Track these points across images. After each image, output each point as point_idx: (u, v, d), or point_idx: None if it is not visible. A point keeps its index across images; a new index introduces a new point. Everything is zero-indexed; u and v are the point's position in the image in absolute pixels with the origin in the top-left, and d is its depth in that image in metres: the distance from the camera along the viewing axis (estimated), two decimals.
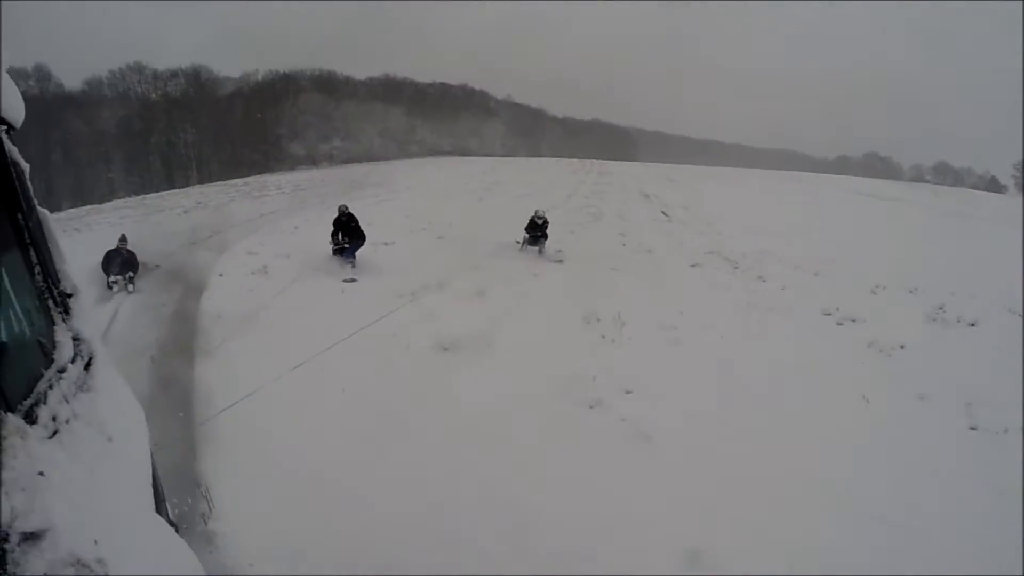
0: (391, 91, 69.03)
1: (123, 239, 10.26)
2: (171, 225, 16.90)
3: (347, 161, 52.46)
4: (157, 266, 10.73)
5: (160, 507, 2.27)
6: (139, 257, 10.13)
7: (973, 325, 8.76)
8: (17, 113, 1.76)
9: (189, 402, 5.70)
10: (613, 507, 4.16)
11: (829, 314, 9.03)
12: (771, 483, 4.54)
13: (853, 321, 8.76)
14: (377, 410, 5.42)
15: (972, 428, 5.72)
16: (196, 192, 28.61)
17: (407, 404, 5.56)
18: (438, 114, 68.68)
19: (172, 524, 2.48)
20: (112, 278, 9.38)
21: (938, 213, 20.34)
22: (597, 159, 48.00)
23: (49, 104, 48.49)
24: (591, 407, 5.73)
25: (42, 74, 51.79)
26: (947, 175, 77.08)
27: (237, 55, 71.85)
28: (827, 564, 3.65)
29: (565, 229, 14.64)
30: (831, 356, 7.41)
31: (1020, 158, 57.74)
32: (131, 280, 9.56)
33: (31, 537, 1.06)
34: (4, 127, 1.68)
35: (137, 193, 34.39)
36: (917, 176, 74.85)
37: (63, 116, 49.83)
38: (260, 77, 62.56)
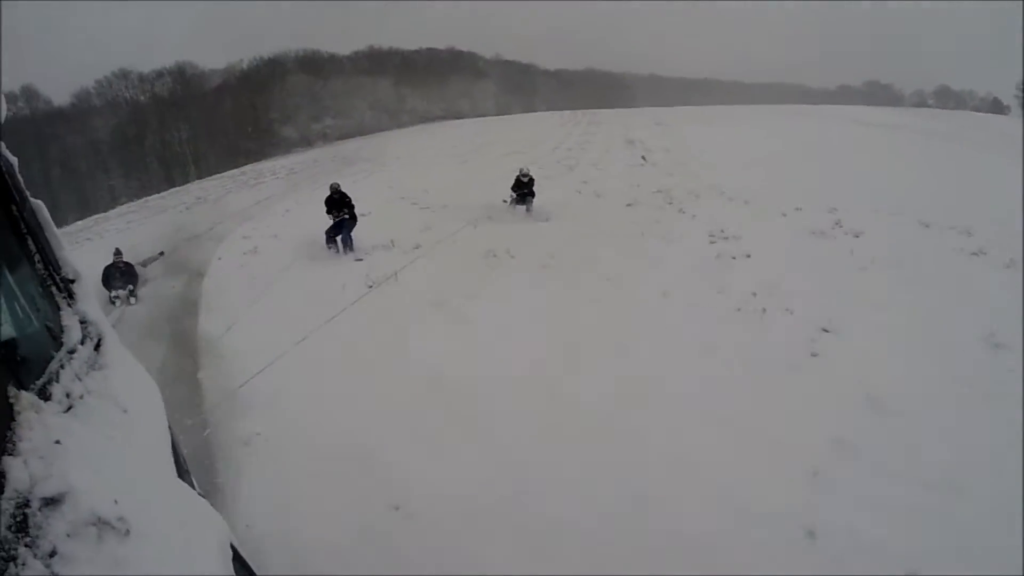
0: (377, 63, 67.92)
1: (118, 252, 10.27)
2: (174, 222, 17.28)
3: (341, 138, 52.13)
4: (161, 253, 11.23)
5: (183, 476, 2.30)
6: (145, 247, 10.59)
7: (857, 236, 8.90)
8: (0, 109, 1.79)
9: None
10: None
11: (713, 236, 9.43)
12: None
13: (726, 239, 9.22)
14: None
15: (738, 310, 6.52)
16: (196, 188, 28.78)
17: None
18: (427, 80, 67.68)
19: (192, 486, 2.51)
20: (113, 293, 9.49)
21: (928, 137, 19.49)
22: (592, 109, 47.06)
23: (40, 123, 48.62)
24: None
25: (30, 94, 51.59)
26: (949, 99, 74.64)
27: (220, 47, 70.45)
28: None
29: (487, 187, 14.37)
30: (679, 269, 8.03)
31: (1021, 78, 55.11)
32: (132, 293, 9.68)
33: (52, 502, 1.08)
34: None
35: (139, 197, 34.59)
36: (919, 102, 72.48)
37: (57, 132, 49.96)
38: (245, 66, 61.99)
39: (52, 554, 1.02)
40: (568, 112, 45.56)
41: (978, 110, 56.85)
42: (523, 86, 78.12)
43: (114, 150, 52.88)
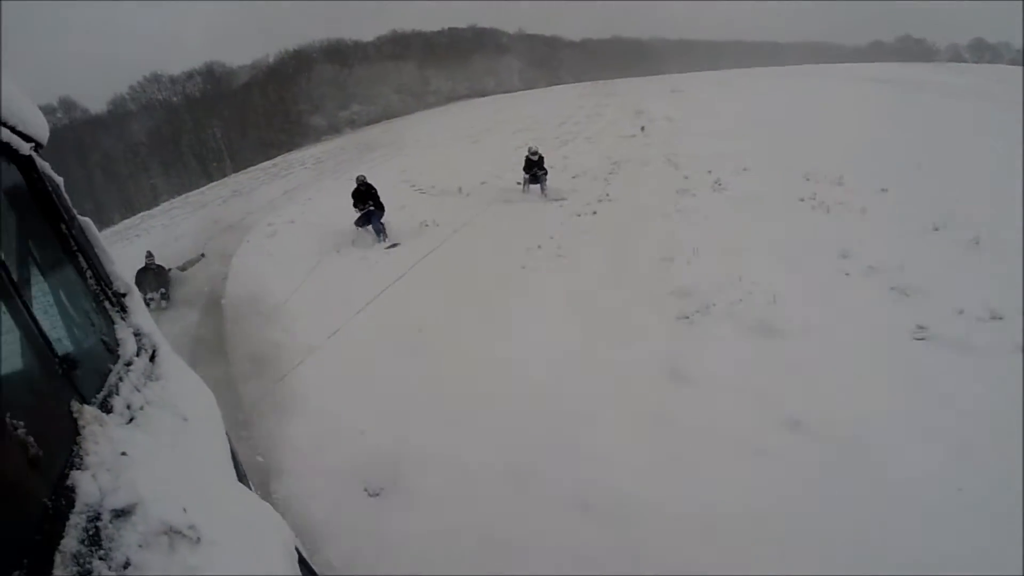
0: (401, 47, 68.43)
1: (149, 255, 10.20)
2: (212, 216, 18.16)
3: (369, 123, 52.53)
4: (202, 255, 11.55)
5: (242, 479, 2.31)
6: (188, 241, 11.05)
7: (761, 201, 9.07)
8: (42, 131, 1.80)
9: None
10: None
11: (599, 198, 10.25)
12: None
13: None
14: None
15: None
16: (232, 181, 29.52)
17: None
18: (450, 61, 67.62)
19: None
20: (148, 295, 9.34)
21: (945, 95, 18.16)
22: (615, 79, 46.11)
23: (80, 131, 50.81)
24: None
25: (68, 105, 54.01)
26: (984, 52, 70.74)
27: (246, 44, 72.02)
28: None
29: (498, 165, 14.57)
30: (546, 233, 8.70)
31: None
32: (165, 296, 9.64)
33: (122, 513, 1.08)
34: (32, 144, 1.70)
35: (179, 193, 35.65)
36: (953, 56, 68.20)
37: (96, 139, 52.20)
38: (271, 60, 63.13)
39: (126, 565, 1.01)
40: (588, 84, 44.75)
41: (1015, 63, 53.46)
42: (548, 59, 77.24)
43: (153, 151, 55.10)
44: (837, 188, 8.86)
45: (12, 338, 1.21)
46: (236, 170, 41.21)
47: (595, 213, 9.49)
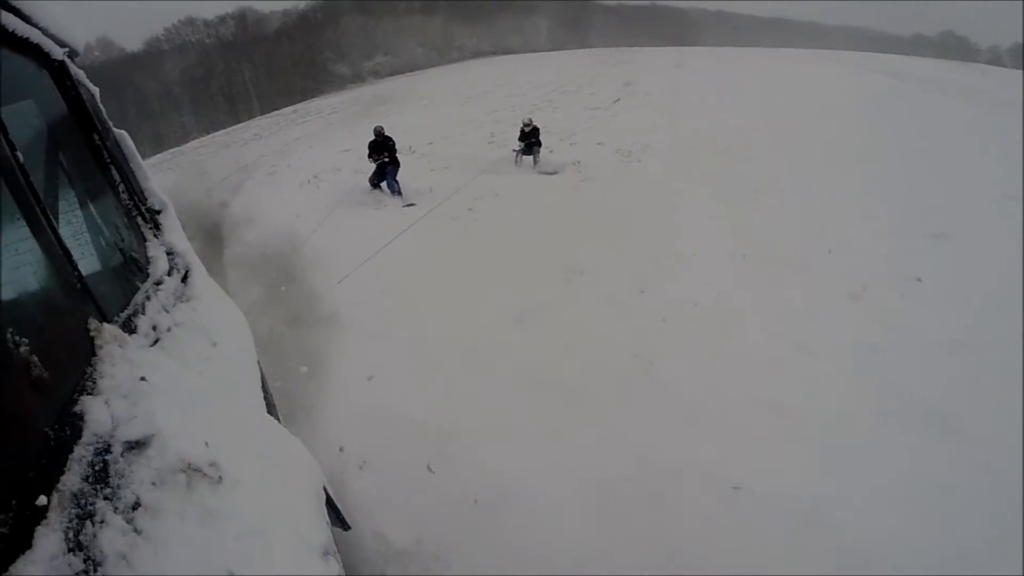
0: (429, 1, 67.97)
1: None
2: (233, 156, 19.55)
3: (391, 75, 53.20)
4: None
5: (270, 408, 2.27)
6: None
7: (640, 161, 10.59)
8: (78, 38, 1.73)
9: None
10: None
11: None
12: None
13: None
14: None
15: None
16: (255, 125, 30.66)
17: None
18: (477, 16, 67.14)
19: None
20: None
21: (955, 96, 17.24)
22: (637, 47, 45.74)
23: (117, 69, 52.79)
24: None
25: (105, 44, 56.41)
26: None
27: None
28: None
29: (484, 131, 15.28)
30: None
31: None
32: None
33: (136, 445, 0.99)
34: (65, 50, 1.63)
35: (208, 132, 37.13)
36: (993, 58, 64.96)
37: (131, 77, 54.17)
38: (302, 7, 63.83)
39: (135, 506, 0.92)
40: (604, 50, 44.39)
41: None
42: (579, 21, 76.03)
43: (184, 90, 57.28)
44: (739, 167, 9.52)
45: (26, 248, 1.09)
46: (263, 112, 42.63)
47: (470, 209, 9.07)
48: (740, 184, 8.82)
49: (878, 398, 3.94)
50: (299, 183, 12.04)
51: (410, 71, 51.68)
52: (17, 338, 0.85)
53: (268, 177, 13.60)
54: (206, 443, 1.09)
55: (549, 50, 58.61)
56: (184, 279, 1.96)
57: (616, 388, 4.30)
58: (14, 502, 0.74)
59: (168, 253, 1.97)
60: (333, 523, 1.93)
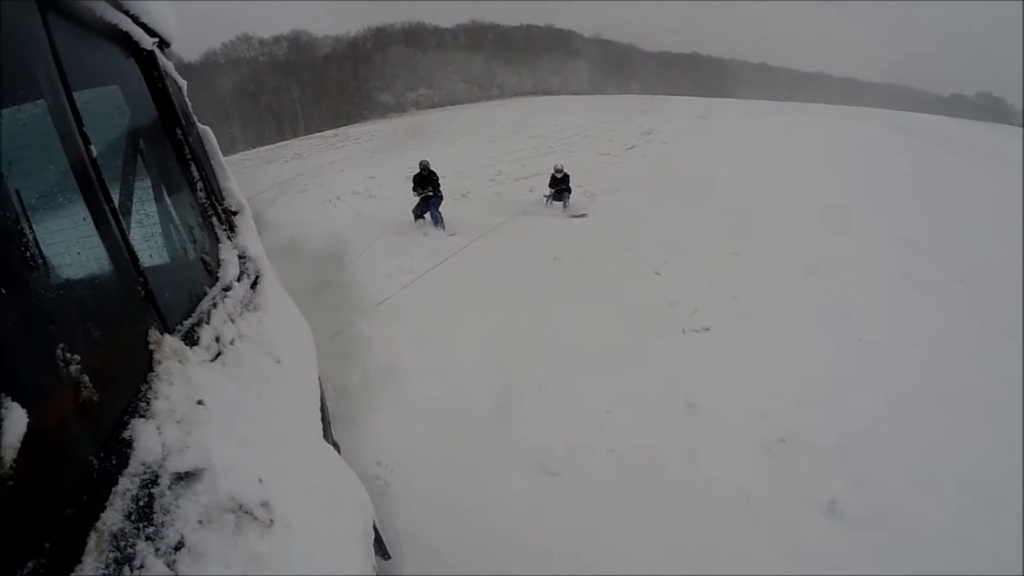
0: (475, 37, 70.97)
1: None
2: (274, 172, 20.76)
3: (432, 107, 55.14)
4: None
5: (326, 431, 2.18)
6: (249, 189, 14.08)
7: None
8: (169, 27, 1.70)
9: None
10: None
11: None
12: None
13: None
14: None
15: None
16: (296, 144, 31.99)
17: None
18: (519, 58, 69.45)
19: (335, 446, 2.45)
20: None
21: (972, 157, 17.18)
22: (673, 95, 46.63)
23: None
24: None
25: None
26: None
27: (334, 14, 75.83)
28: None
29: (493, 168, 15.89)
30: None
31: None
32: None
33: (185, 477, 0.90)
34: (155, 40, 1.60)
35: (253, 146, 39.05)
36: None
37: (188, 85, 57.17)
38: (353, 35, 67.10)
39: (178, 547, 0.82)
40: (636, 96, 45.12)
41: None
42: (621, 66, 77.79)
43: (235, 104, 60.28)
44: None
45: (88, 249, 1.00)
46: (307, 132, 44.63)
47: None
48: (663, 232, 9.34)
49: None
50: (321, 201, 13.32)
51: (451, 104, 53.67)
52: (68, 355, 0.77)
53: (300, 194, 14.82)
54: (260, 479, 1.03)
55: (588, 93, 60.04)
56: (253, 285, 1.88)
57: None
58: (47, 544, 0.65)
59: (240, 257, 1.91)
60: (375, 553, 1.88)
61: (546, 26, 76.44)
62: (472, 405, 4.62)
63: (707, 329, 6.00)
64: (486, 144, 22.03)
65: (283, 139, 41.17)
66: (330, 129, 40.03)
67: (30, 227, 0.79)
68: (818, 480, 3.73)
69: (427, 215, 10.43)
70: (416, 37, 67.97)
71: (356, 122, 46.42)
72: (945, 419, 4.32)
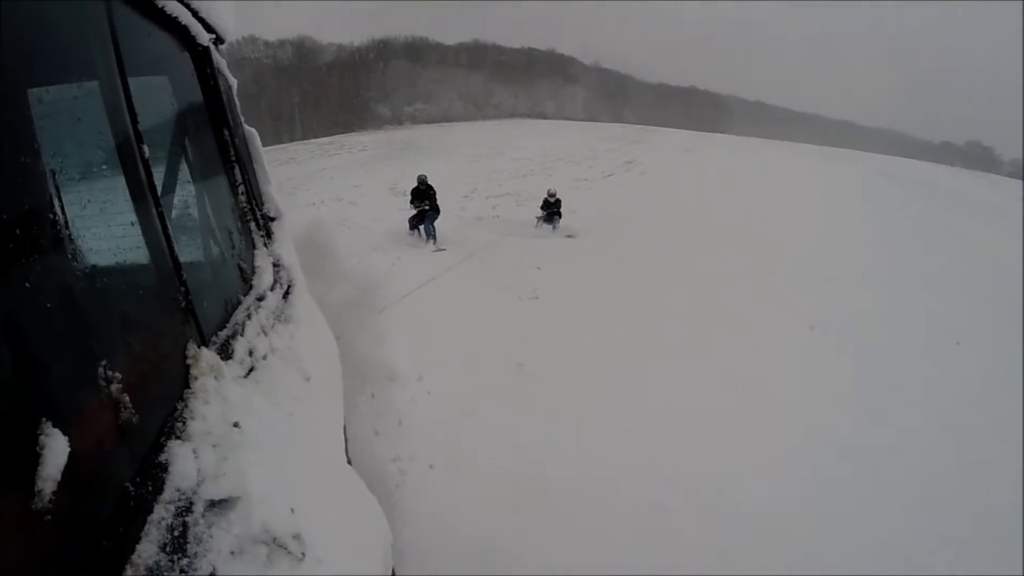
0: (476, 57, 72.39)
1: None
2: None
3: (427, 122, 56.09)
4: None
5: (346, 450, 2.15)
6: None
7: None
8: (227, 24, 1.68)
9: None
10: None
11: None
12: None
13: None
14: None
15: None
16: (292, 148, 32.51)
17: None
18: (517, 79, 70.72)
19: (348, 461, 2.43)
20: None
21: (951, 205, 18.03)
22: (665, 127, 47.71)
23: None
24: None
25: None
26: None
27: (339, 22, 77.30)
28: None
29: (459, 192, 15.81)
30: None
31: None
32: None
33: (218, 505, 0.86)
34: (212, 37, 1.59)
35: None
36: (1014, 171, 66.76)
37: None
38: (356, 44, 68.47)
39: None
40: (627, 126, 46.31)
41: None
42: (616, 95, 79.13)
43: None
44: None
45: (132, 256, 0.94)
46: (304, 137, 45.30)
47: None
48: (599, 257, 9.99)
49: None
50: (306, 204, 13.63)
51: (446, 121, 54.71)
52: (110, 373, 0.71)
53: (286, 197, 15.29)
54: (292, 509, 0.97)
55: (582, 119, 61.20)
56: (285, 295, 1.82)
57: None
58: None
59: (275, 265, 1.84)
60: None
61: (547, 50, 77.96)
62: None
63: None
64: (473, 162, 22.65)
65: (280, 143, 41.70)
66: (326, 136, 40.77)
67: (69, 233, 0.71)
68: None
69: (421, 227, 10.96)
70: (418, 52, 69.15)
71: (352, 131, 47.21)
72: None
